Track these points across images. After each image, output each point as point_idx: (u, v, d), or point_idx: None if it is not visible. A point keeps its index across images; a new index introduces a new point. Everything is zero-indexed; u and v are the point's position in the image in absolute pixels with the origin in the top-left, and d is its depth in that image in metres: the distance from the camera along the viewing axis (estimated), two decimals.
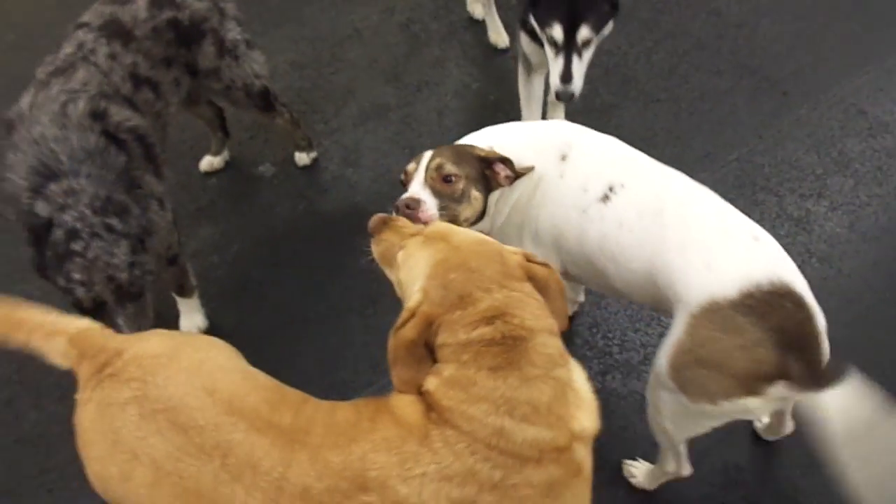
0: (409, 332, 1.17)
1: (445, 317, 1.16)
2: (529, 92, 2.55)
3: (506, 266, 1.22)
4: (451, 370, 1.15)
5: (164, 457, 1.14)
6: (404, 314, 1.20)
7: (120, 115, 1.88)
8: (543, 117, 2.66)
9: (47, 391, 2.21)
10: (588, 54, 2.06)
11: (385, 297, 2.39)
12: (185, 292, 2.25)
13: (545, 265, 1.28)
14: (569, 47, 1.98)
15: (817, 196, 2.57)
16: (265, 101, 2.45)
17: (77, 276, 1.69)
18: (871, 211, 2.52)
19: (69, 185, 1.73)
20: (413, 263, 1.26)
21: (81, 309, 1.72)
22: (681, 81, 3.00)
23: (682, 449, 1.70)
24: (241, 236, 2.62)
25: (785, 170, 2.65)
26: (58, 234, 1.69)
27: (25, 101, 1.87)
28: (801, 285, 1.40)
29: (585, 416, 1.17)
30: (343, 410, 1.22)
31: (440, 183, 1.59)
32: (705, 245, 1.46)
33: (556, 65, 2.04)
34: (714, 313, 1.35)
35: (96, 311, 1.73)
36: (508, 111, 2.81)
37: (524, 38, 2.35)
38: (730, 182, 2.62)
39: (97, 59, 1.96)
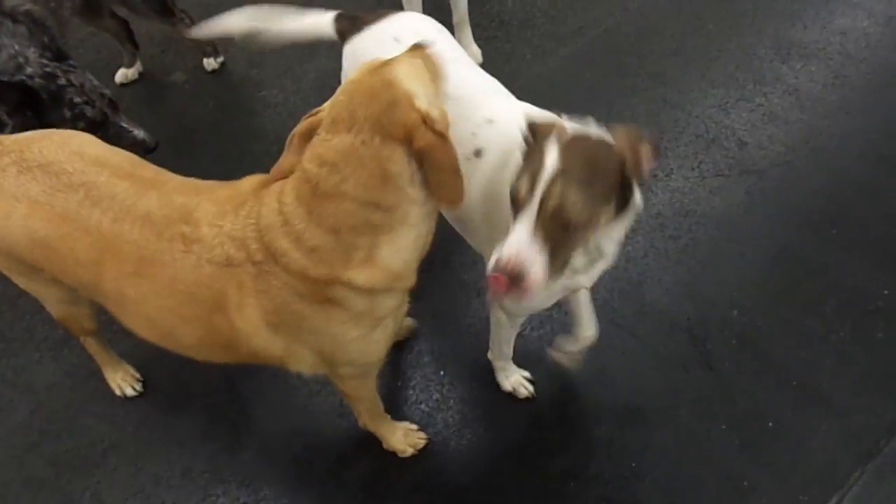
0: (298, 127, 1.35)
1: (318, 131, 1.28)
2: None
3: (385, 116, 1.21)
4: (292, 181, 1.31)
5: (38, 194, 1.41)
6: (309, 115, 1.35)
7: (14, 1, 2.10)
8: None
9: None
10: None
11: None
12: None
13: (441, 134, 1.22)
14: None
15: (674, 54, 2.86)
16: (162, 5, 2.66)
17: (79, 99, 2.00)
18: (721, 62, 2.81)
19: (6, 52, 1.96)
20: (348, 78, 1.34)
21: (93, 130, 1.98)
22: None
23: None
24: (156, 135, 2.82)
25: (646, 35, 2.94)
26: (37, 82, 1.95)
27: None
28: None
29: (361, 271, 1.29)
30: (201, 181, 1.49)
31: (559, 232, 1.19)
32: None
33: None
34: None
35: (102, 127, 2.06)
36: None
37: None
38: (597, 50, 2.90)
39: None
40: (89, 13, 2.60)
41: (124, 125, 2.14)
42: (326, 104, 1.31)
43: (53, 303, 1.79)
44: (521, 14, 3.08)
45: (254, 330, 1.36)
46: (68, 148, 1.46)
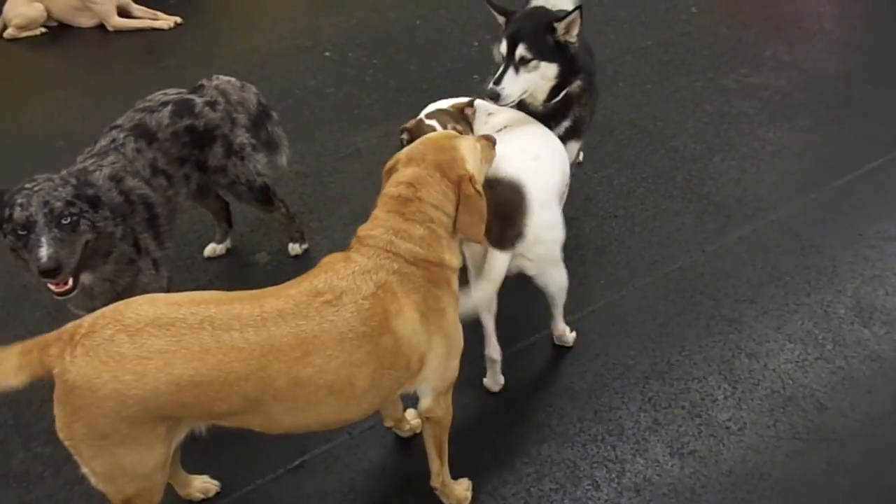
0: (386, 166, 1.90)
1: (396, 167, 1.86)
2: None
3: (444, 163, 1.81)
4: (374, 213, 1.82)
5: (166, 345, 1.47)
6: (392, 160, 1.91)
7: (134, 183, 2.27)
8: None
9: (36, 435, 2.44)
10: (529, 76, 2.42)
11: None
12: None
13: (478, 191, 1.82)
14: (509, 61, 2.42)
15: (750, 301, 2.84)
16: (265, 195, 2.85)
17: (19, 199, 1.94)
18: (798, 317, 2.77)
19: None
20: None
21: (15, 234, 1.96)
22: (636, 202, 3.38)
23: None
24: None
25: (722, 279, 2.95)
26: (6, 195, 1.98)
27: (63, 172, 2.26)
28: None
29: (450, 255, 1.81)
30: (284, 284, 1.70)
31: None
32: None
33: (498, 72, 2.47)
34: None
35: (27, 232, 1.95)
36: None
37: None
38: (671, 286, 2.91)
39: (125, 151, 2.37)
40: (199, 196, 2.79)
41: (42, 239, 1.93)
42: (404, 150, 1.89)
43: (141, 473, 1.62)
44: (597, 241, 3.17)
45: (412, 327, 1.69)
46: (161, 302, 1.55)
